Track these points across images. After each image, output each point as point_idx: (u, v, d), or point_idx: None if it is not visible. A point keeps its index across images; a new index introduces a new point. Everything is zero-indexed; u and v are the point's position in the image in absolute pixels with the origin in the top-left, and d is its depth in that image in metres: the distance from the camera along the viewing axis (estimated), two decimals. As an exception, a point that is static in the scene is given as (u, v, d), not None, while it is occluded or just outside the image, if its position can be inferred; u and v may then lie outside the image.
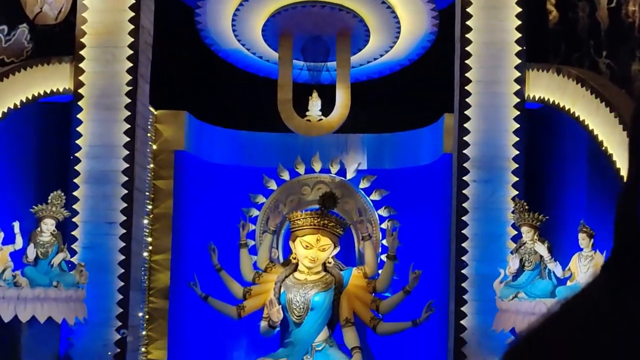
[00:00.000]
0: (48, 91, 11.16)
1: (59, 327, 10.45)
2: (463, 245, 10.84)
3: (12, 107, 11.07)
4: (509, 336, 10.48)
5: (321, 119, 12.15)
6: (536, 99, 10.98)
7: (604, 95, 10.25)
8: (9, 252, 10.41)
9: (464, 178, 10.90)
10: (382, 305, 11.38)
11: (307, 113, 12.19)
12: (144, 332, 12.32)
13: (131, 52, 11.20)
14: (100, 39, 11.22)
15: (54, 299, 10.27)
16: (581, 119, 10.52)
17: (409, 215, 12.63)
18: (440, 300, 11.59)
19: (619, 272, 1.69)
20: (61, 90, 11.19)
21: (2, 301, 10.14)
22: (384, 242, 11.77)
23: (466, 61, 11.11)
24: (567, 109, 10.69)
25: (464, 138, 10.94)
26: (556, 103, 10.80)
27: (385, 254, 11.53)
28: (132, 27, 11.21)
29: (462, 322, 10.77)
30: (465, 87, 11.01)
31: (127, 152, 10.98)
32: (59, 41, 11.46)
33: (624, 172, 9.95)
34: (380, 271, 11.60)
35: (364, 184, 12.11)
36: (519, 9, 11.11)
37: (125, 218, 10.93)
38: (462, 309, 10.78)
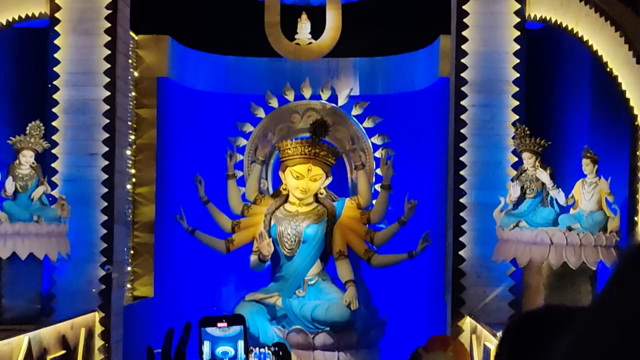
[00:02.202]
0: (23, 16, 10.66)
1: (40, 264, 10.08)
2: (461, 173, 10.47)
3: (-15, 33, 10.59)
4: (509, 267, 10.20)
5: (311, 43, 11.73)
6: (537, 19, 10.54)
7: (608, 13, 9.84)
8: (-14, 186, 10.01)
9: (462, 102, 10.48)
10: (377, 237, 11.16)
11: (295, 36, 11.75)
12: (129, 268, 12.02)
13: (110, -27, 10.69)
14: (77, -40, 10.71)
15: (35, 234, 9.90)
16: (585, 39, 10.12)
17: (403, 142, 12.30)
18: (437, 231, 11.33)
19: None
20: (37, 14, 10.69)
21: (-19, 237, 9.75)
22: (378, 171, 11.49)
23: (463, -21, 10.66)
24: (569, 28, 10.27)
25: (462, 60, 10.51)
26: (558, 22, 10.37)
27: (380, 184, 11.28)
28: (111, -54, 10.69)
29: (460, 252, 10.44)
30: (463, 7, 10.55)
31: (108, 80, 10.53)
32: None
33: (630, 94, 9.58)
34: (374, 201, 11.36)
35: (356, 111, 11.76)
36: None
37: (107, 149, 10.52)
38: (460, 239, 10.44)
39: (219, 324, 2.91)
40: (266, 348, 3.37)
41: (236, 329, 2.91)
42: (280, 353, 3.37)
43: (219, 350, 2.87)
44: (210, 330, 2.90)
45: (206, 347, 2.87)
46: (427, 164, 12.57)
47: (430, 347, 6.11)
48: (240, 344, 2.90)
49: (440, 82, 11.92)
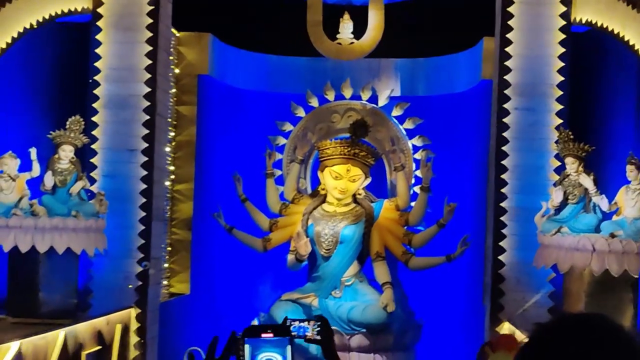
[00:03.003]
0: (66, 10, 10.66)
1: (77, 259, 10.05)
2: (502, 176, 10.35)
3: (27, 27, 10.61)
4: (550, 273, 10.08)
5: (353, 43, 11.64)
6: (583, 22, 10.40)
7: (656, 18, 9.69)
8: (26, 180, 10.02)
9: (505, 106, 10.36)
10: (415, 239, 11.08)
11: (337, 36, 11.67)
12: (165, 265, 11.99)
13: (153, -31, 10.67)
14: (121, -44, 10.69)
15: (72, 229, 9.86)
16: (631, 43, 9.97)
17: (444, 144, 12.20)
18: (476, 235, 11.22)
19: None
20: (79, 9, 10.68)
21: (19, 231, 9.74)
22: (417, 172, 11.40)
23: (509, -19, 10.54)
24: (616, 32, 10.12)
25: (505, 63, 10.39)
26: (604, 26, 10.22)
27: (419, 186, 11.18)
28: (155, -57, 10.66)
29: (500, 257, 10.31)
30: (508, 9, 10.42)
31: (149, 76, 10.49)
32: (77, -42, 10.91)
33: (676, 101, 9.43)
34: (413, 203, 11.28)
35: (396, 112, 11.68)
36: None
37: (146, 145, 10.48)
38: (500, 243, 10.31)
39: (264, 335, 2.81)
40: (306, 322, 3.28)
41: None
42: (321, 327, 3.29)
43: (262, 357, 2.76)
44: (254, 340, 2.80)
45: (247, 352, 2.76)
46: (466, 166, 12.46)
47: (496, 346, 6.00)
48: (289, 350, 2.79)
49: (482, 84, 11.80)
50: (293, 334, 3.25)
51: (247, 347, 2.83)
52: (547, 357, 2.09)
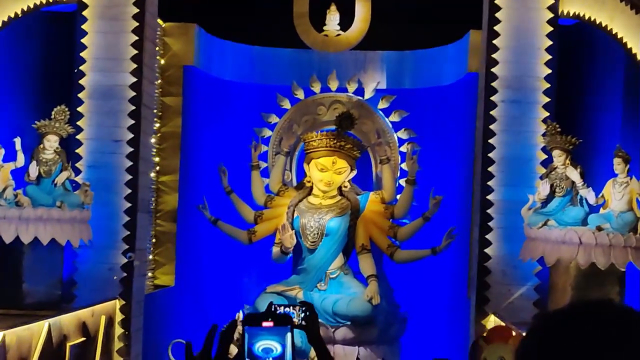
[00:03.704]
0: (51, 0, 10.53)
1: (62, 250, 10.00)
2: (489, 169, 10.32)
3: (12, 16, 10.53)
4: (535, 266, 10.08)
5: (339, 34, 11.64)
6: (571, 15, 10.39)
7: (645, 10, 9.69)
8: (10, 170, 9.93)
9: (492, 98, 10.34)
10: (400, 232, 11.09)
11: (324, 27, 11.67)
12: (150, 256, 11.92)
13: (139, -41, 10.59)
14: (106, -56, 10.61)
15: (57, 220, 9.81)
16: (619, 37, 9.98)
17: (430, 137, 12.19)
18: (461, 228, 11.22)
19: None
20: (64, -1, 10.59)
21: (3, 221, 9.67)
22: (403, 165, 11.41)
23: (495, -27, 10.51)
24: (604, 25, 10.12)
25: (493, 55, 10.37)
26: (592, 19, 10.22)
27: (404, 179, 11.20)
28: None
29: (486, 250, 10.30)
30: (495, 1, 10.40)
31: (135, 66, 10.42)
32: (62, -53, 10.82)
33: (664, 94, 9.44)
34: (398, 196, 11.28)
35: (382, 104, 11.67)
36: None
37: (132, 136, 10.41)
38: (486, 236, 10.29)
39: (265, 323, 2.75)
40: (291, 307, 3.24)
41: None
42: (307, 313, 3.25)
43: (259, 345, 2.69)
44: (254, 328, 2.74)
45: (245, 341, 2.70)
46: (452, 159, 12.45)
47: (491, 338, 6.00)
48: (288, 338, 2.73)
49: (469, 77, 11.79)
50: (294, 321, 3.20)
51: (245, 336, 2.77)
52: (555, 344, 2.04)
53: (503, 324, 9.56)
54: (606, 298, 2.23)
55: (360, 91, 11.70)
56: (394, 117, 11.59)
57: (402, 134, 11.54)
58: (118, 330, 10.30)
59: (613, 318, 2.06)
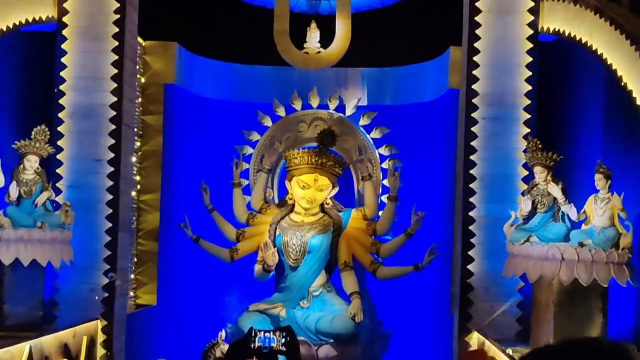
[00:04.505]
0: (30, 19, 10.51)
1: (43, 270, 9.94)
2: (471, 186, 10.33)
3: (-9, 35, 10.45)
4: (518, 282, 10.08)
5: (320, 52, 11.63)
6: (551, 31, 10.41)
7: (624, 26, 9.68)
8: (-10, 191, 9.87)
9: (473, 115, 10.36)
10: (383, 249, 11.09)
11: (305, 45, 11.66)
12: (132, 276, 11.87)
13: (119, -22, 10.56)
14: (86, -36, 10.58)
15: (38, 241, 9.76)
16: (599, 52, 9.98)
17: (411, 154, 12.21)
18: (443, 244, 11.23)
19: None
20: (44, 18, 10.56)
21: (-17, 243, 9.61)
22: (385, 182, 11.43)
23: (476, -10, 10.53)
24: (584, 41, 10.13)
25: (473, 72, 10.38)
26: (572, 35, 10.24)
27: (386, 195, 11.21)
28: (120, -49, 10.56)
29: (469, 267, 10.30)
30: (475, 18, 10.42)
31: (115, 85, 10.40)
32: (41, -34, 10.79)
33: (645, 109, 9.45)
34: (380, 213, 11.28)
35: (364, 121, 11.68)
36: None
37: (113, 155, 10.39)
38: (469, 253, 10.29)
39: None
40: (272, 333, 3.23)
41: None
42: (287, 338, 3.24)
43: None
44: None
45: None
46: (434, 176, 12.46)
47: None
48: None
49: (450, 93, 11.81)
50: (259, 345, 3.20)
51: None
52: None
53: (487, 340, 9.56)
54: (594, 337, 2.23)
55: (341, 108, 11.70)
56: (375, 134, 11.60)
57: (384, 151, 11.55)
58: (100, 351, 10.25)
59: (601, 356, 2.06)
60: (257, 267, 10.96)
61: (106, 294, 10.29)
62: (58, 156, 10.39)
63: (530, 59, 10.36)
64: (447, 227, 11.52)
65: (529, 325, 9.86)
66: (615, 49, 9.78)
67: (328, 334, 10.54)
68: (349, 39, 11.40)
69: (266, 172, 11.50)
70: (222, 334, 8.82)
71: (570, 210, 9.74)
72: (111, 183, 10.37)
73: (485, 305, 10.28)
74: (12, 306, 9.72)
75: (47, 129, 10.09)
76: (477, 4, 10.46)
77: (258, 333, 3.21)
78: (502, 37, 10.43)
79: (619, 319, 9.83)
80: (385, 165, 11.49)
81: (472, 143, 10.37)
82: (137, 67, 11.63)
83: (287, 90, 12.05)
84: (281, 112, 11.76)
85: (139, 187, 12.05)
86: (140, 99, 11.96)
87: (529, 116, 10.32)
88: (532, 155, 9.91)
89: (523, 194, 10.01)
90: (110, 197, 10.37)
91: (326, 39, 11.55)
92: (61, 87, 10.47)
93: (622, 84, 9.70)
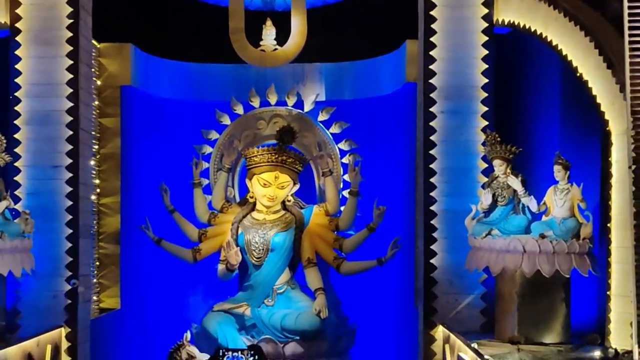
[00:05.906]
0: (-19, 26, 10.40)
1: (4, 280, 9.86)
2: (431, 180, 10.35)
3: (-57, 44, 10.34)
4: (482, 274, 10.12)
5: (276, 49, 11.62)
6: (505, 23, 10.44)
7: (578, 17, 9.74)
8: (-53, 202, 9.77)
9: (431, 109, 10.37)
10: (346, 244, 11.11)
11: (260, 42, 11.64)
12: (94, 280, 11.79)
13: (71, -18, 10.46)
14: (37, -32, 10.48)
15: (-2, 250, 9.65)
16: (554, 44, 10.03)
17: (371, 148, 12.21)
18: (406, 237, 11.26)
19: None
20: (-4, 24, 10.45)
21: (-59, 253, 9.52)
22: (346, 177, 11.45)
23: (430, -17, 10.53)
24: (539, 33, 10.18)
25: (430, 67, 10.40)
26: (527, 27, 10.27)
27: (348, 190, 11.23)
28: (71, -45, 10.46)
29: (432, 261, 10.33)
30: (430, 12, 10.43)
31: (71, 90, 10.33)
32: (-9, -29, 10.66)
33: (600, 100, 9.50)
34: (342, 208, 11.30)
35: (323, 116, 11.68)
36: None
37: (71, 161, 10.32)
38: (431, 247, 10.32)
39: None
40: (240, 352, 3.22)
41: None
42: (256, 357, 3.24)
43: None
44: None
45: None
46: (395, 169, 12.46)
47: None
48: None
49: (407, 87, 11.80)
50: None
51: None
52: None
53: (451, 334, 9.61)
54: None
55: (299, 104, 11.69)
56: (335, 129, 11.61)
57: (344, 146, 11.57)
58: (65, 359, 10.19)
59: None
60: (221, 267, 10.94)
61: (69, 301, 10.23)
62: (16, 164, 10.30)
63: (486, 52, 10.39)
64: (410, 220, 11.54)
65: (494, 317, 9.92)
66: (570, 39, 9.84)
67: (294, 331, 10.55)
68: (305, 35, 11.38)
69: (226, 170, 11.46)
70: (188, 335, 8.81)
71: (531, 202, 9.81)
72: (70, 189, 10.30)
73: (449, 298, 10.33)
74: (-27, 317, 9.65)
75: (3, 137, 9.99)
76: (431, -2, 10.48)
77: (226, 353, 3.20)
78: (457, 30, 10.44)
79: (582, 309, 9.92)
80: (345, 160, 11.51)
81: (431, 137, 10.39)
82: (93, 70, 11.53)
83: (244, 88, 12.02)
84: (239, 110, 11.73)
85: (98, 190, 11.95)
86: (96, 102, 11.84)
87: (486, 109, 10.35)
88: (491, 148, 9.96)
89: (483, 187, 10.06)
90: (69, 203, 10.29)
91: (282, 36, 11.53)
92: (16, 94, 10.37)
93: (578, 74, 9.77)
